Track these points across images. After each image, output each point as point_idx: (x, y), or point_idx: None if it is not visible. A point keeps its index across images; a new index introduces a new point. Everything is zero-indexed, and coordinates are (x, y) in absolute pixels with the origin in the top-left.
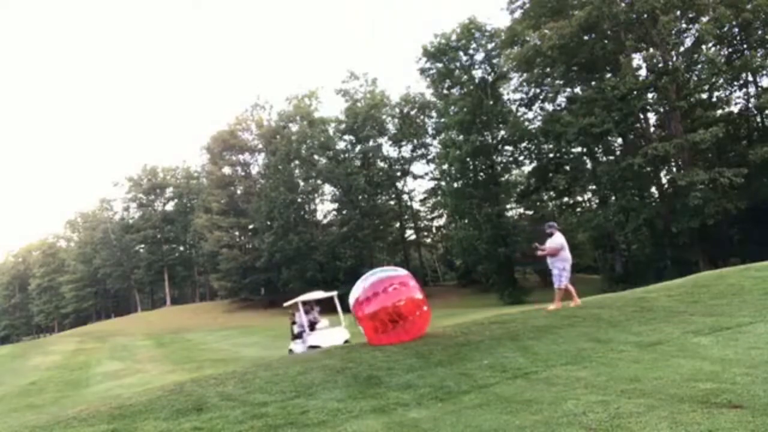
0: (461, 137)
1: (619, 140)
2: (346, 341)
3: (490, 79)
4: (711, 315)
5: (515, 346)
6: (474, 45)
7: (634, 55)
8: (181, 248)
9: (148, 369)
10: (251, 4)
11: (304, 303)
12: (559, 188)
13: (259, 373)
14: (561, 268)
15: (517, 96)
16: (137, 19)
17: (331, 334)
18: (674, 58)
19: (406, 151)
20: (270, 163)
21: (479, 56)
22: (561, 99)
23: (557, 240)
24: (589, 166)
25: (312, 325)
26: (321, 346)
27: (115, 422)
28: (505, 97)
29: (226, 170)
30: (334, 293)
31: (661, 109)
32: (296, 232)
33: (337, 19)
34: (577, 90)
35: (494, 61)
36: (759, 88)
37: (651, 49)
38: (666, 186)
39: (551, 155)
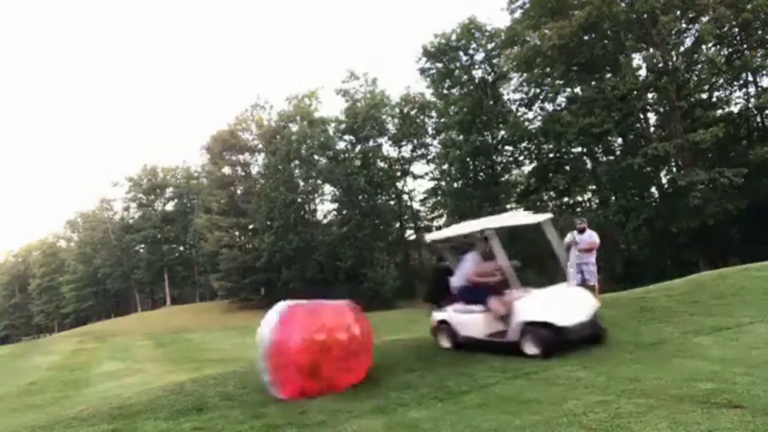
0: (461, 137)
1: (619, 140)
2: (596, 317)
3: (490, 79)
4: (711, 315)
5: None
6: (474, 45)
7: (634, 55)
8: (181, 248)
9: (148, 369)
10: (251, 4)
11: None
12: (559, 188)
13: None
14: (594, 263)
15: (517, 96)
16: (137, 18)
17: (569, 297)
18: (674, 58)
19: (406, 151)
20: (270, 163)
21: (479, 56)
22: (561, 99)
23: (595, 236)
24: (589, 166)
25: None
26: (555, 324)
27: (115, 422)
28: (505, 97)
29: (226, 170)
30: (546, 216)
31: (661, 109)
32: (296, 232)
33: (337, 19)
34: (577, 90)
35: (494, 61)
36: (759, 88)
37: (651, 49)
38: (666, 186)
39: (551, 155)
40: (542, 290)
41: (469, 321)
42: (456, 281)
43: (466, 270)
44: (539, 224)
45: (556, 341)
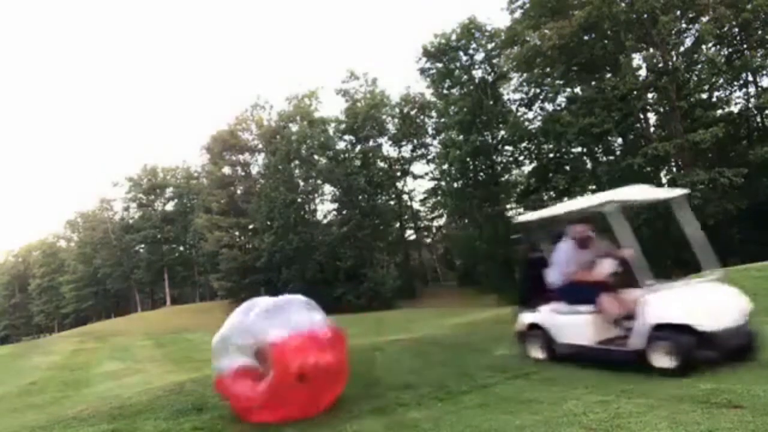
0: (461, 137)
1: (619, 140)
2: (748, 323)
3: (490, 79)
4: None
5: (515, 346)
6: (474, 45)
7: (634, 55)
8: (181, 248)
9: (148, 369)
10: (251, 4)
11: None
12: (559, 188)
13: None
14: None
15: (517, 96)
16: (137, 18)
17: (713, 294)
18: (674, 58)
19: (406, 151)
20: (270, 163)
21: (479, 56)
22: (561, 99)
23: None
24: (589, 166)
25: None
26: (697, 328)
27: (115, 422)
28: (505, 97)
29: (226, 170)
30: (680, 192)
31: (661, 109)
32: (296, 232)
33: (337, 19)
34: (577, 90)
35: (494, 61)
36: (759, 88)
37: (651, 49)
38: (666, 186)
39: (551, 155)
40: (675, 284)
41: (573, 324)
42: (552, 276)
43: (560, 262)
44: (669, 201)
45: (699, 351)
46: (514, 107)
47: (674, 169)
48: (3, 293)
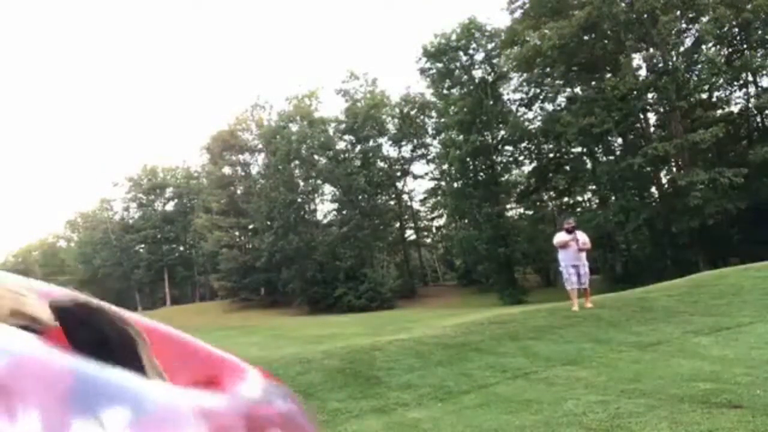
0: (461, 137)
1: (619, 140)
2: None
3: (490, 79)
4: (711, 315)
5: (515, 346)
6: (474, 45)
7: (634, 55)
8: (181, 248)
9: None
10: (251, 4)
11: None
12: (559, 188)
13: None
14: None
15: (517, 96)
16: (137, 18)
17: None
18: (674, 58)
19: (406, 151)
20: (270, 163)
21: (479, 56)
22: (561, 99)
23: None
24: (589, 166)
25: None
26: None
27: None
28: (505, 97)
29: (226, 170)
30: None
31: (661, 109)
32: (296, 232)
33: (337, 19)
34: (577, 90)
35: (494, 61)
36: (759, 88)
37: (651, 49)
38: (666, 186)
39: (551, 155)
40: None
41: None
42: None
43: None
44: None
45: None
46: (514, 107)
47: (674, 169)
48: None
